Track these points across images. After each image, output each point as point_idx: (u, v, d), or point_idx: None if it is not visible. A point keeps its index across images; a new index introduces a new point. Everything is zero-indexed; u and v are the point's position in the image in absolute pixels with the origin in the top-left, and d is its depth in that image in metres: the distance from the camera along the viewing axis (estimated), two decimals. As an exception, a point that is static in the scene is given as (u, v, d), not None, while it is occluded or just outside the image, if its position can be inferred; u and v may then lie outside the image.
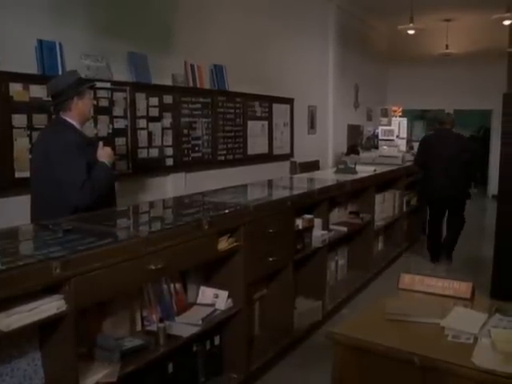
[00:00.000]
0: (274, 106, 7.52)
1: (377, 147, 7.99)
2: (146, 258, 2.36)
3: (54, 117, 3.36)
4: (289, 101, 7.91)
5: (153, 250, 2.39)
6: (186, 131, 5.73)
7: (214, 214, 2.97)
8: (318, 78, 9.12)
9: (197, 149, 5.92)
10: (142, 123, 5.13)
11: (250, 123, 6.94)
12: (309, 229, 4.09)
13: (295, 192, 4.25)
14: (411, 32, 9.19)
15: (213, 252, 2.87)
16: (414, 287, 2.64)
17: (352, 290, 4.98)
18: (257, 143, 7.12)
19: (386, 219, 6.14)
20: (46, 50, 4.24)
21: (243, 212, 3.16)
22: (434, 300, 2.52)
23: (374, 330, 2.22)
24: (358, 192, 5.39)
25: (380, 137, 7.65)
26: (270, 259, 3.44)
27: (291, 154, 8.10)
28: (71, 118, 3.05)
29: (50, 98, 3.27)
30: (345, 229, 4.88)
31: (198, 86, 5.97)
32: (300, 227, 3.91)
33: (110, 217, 2.96)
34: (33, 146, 3.19)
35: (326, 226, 4.38)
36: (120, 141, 4.85)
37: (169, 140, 5.47)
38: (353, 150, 9.13)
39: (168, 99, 5.43)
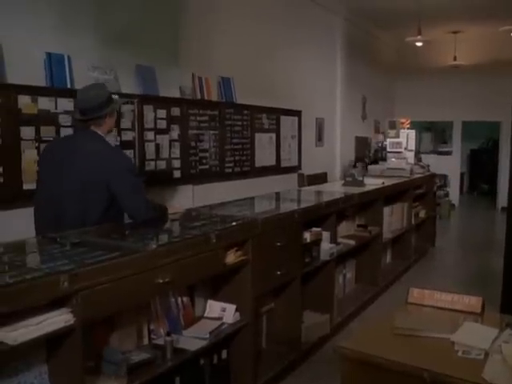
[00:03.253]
0: (282, 118, 7.54)
1: (385, 159, 7.98)
2: (154, 271, 2.36)
3: (79, 126, 3.36)
4: (296, 113, 7.93)
5: (160, 264, 2.40)
6: (193, 143, 5.75)
7: (222, 228, 2.98)
8: (325, 89, 9.15)
9: (204, 161, 5.93)
10: (150, 135, 5.15)
11: (257, 135, 6.95)
12: (317, 242, 4.08)
13: (303, 205, 4.25)
14: (419, 44, 9.21)
15: (220, 266, 2.87)
16: (424, 301, 2.63)
17: (360, 304, 4.96)
18: (264, 155, 7.13)
19: (395, 232, 6.12)
20: (54, 62, 4.28)
21: (251, 225, 3.16)
22: (444, 314, 2.51)
23: (383, 344, 2.21)
24: (366, 205, 5.38)
25: (388, 149, 7.64)
26: (278, 272, 3.43)
27: (299, 167, 8.10)
28: (102, 133, 3.09)
29: (64, 112, 3.26)
30: (353, 242, 4.87)
31: (206, 98, 5.99)
32: (308, 240, 3.91)
33: (117, 230, 2.97)
34: (47, 156, 3.17)
35: (333, 239, 4.37)
36: (128, 153, 4.84)
37: (176, 152, 5.49)
38: (360, 162, 9.12)
39: (176, 111, 5.46)
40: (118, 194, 2.95)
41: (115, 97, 3.38)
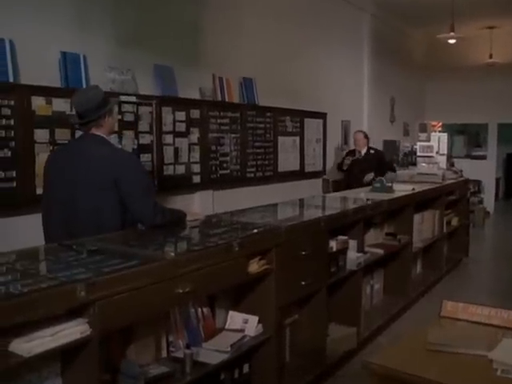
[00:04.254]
0: (306, 120, 7.53)
1: (415, 164, 7.91)
2: (174, 281, 2.36)
3: (81, 131, 3.39)
4: (321, 115, 7.92)
5: (180, 273, 2.40)
6: (213, 147, 5.77)
7: (245, 235, 2.97)
8: (351, 91, 9.12)
9: (225, 165, 5.95)
10: (169, 139, 5.18)
11: (280, 139, 6.96)
12: (343, 251, 4.06)
13: (328, 212, 4.23)
14: (452, 41, 9.12)
15: (243, 275, 2.86)
16: (458, 315, 2.59)
17: (389, 317, 4.91)
18: (288, 160, 7.13)
19: (425, 241, 6.06)
20: (69, 62, 4.33)
21: (275, 233, 3.15)
22: (480, 330, 2.47)
23: (415, 361, 2.18)
24: (395, 212, 5.33)
25: (418, 153, 7.58)
26: (303, 283, 3.42)
27: (324, 172, 8.08)
28: (104, 135, 3.14)
29: (73, 113, 3.33)
30: (381, 251, 4.83)
31: (227, 99, 6.02)
32: (334, 249, 3.89)
33: (135, 237, 2.99)
34: (53, 164, 3.22)
35: (361, 248, 4.34)
36: (145, 157, 4.90)
37: (196, 156, 5.52)
38: (389, 167, 9.05)
39: (195, 114, 5.49)
40: (127, 195, 2.98)
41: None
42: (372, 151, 7.68)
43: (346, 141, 8.94)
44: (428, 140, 7.68)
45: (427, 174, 6.88)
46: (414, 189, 5.80)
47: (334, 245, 3.89)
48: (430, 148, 7.49)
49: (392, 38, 10.48)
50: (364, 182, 6.92)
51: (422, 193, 5.91)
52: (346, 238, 4.08)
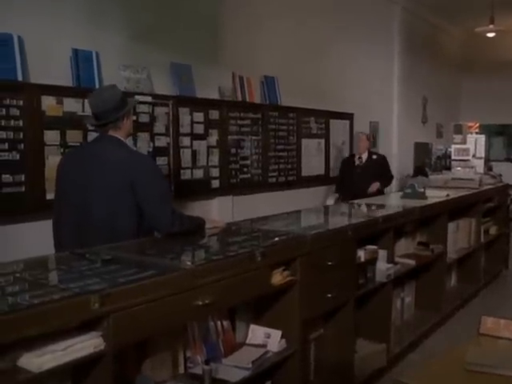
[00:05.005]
0: (332, 121, 7.53)
1: (449, 168, 7.86)
2: (193, 292, 2.37)
3: (97, 133, 3.44)
4: (348, 116, 7.91)
5: (200, 284, 2.40)
6: (233, 150, 5.79)
7: (268, 244, 2.97)
8: (380, 90, 9.09)
9: (245, 170, 5.96)
10: (186, 141, 5.21)
11: (304, 141, 6.96)
12: (372, 261, 4.04)
13: (356, 220, 4.21)
14: (491, 35, 9.05)
15: (266, 286, 2.86)
16: (499, 333, 2.56)
17: (421, 333, 4.88)
18: (312, 164, 7.13)
19: (461, 251, 6.01)
20: (81, 59, 4.37)
21: (300, 242, 3.15)
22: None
23: (451, 381, 2.16)
24: (428, 220, 5.30)
25: (453, 156, 7.53)
26: (329, 295, 3.40)
27: (350, 176, 8.05)
28: (122, 137, 3.17)
29: (89, 114, 3.36)
30: (412, 262, 4.80)
31: (248, 99, 6.05)
32: (362, 259, 3.88)
33: (151, 245, 3.01)
34: (66, 167, 3.25)
35: (391, 259, 4.31)
36: (161, 160, 4.93)
37: (215, 160, 5.54)
38: (420, 171, 9.01)
39: (214, 114, 5.51)
40: (143, 200, 3.00)
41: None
42: (374, 156, 7.16)
43: (374, 143, 8.91)
44: (464, 142, 7.64)
45: (463, 179, 6.83)
46: (448, 195, 5.76)
47: (362, 255, 3.87)
48: (466, 151, 7.44)
49: (424, 33, 10.42)
50: (368, 193, 6.49)
51: (457, 199, 5.86)
52: (375, 247, 4.06)
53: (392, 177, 7.37)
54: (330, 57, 7.52)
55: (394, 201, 5.62)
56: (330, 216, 4.68)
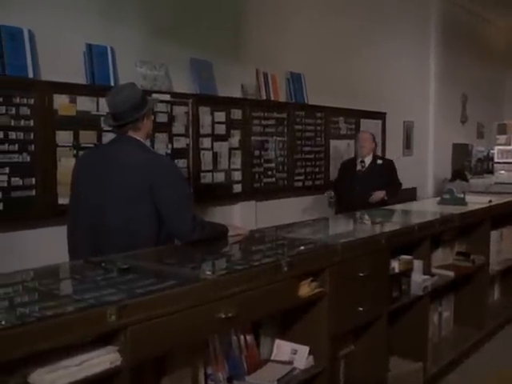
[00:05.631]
0: (362, 121, 7.53)
1: (491, 172, 7.80)
2: (215, 304, 2.37)
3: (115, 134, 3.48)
4: (380, 115, 7.89)
5: (222, 296, 2.41)
6: (257, 152, 5.81)
7: (295, 254, 2.98)
8: (415, 87, 9.05)
9: (270, 173, 5.98)
10: (206, 142, 5.24)
11: (332, 142, 6.96)
12: (407, 273, 4.02)
13: (389, 227, 4.20)
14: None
15: (292, 299, 2.86)
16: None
17: (461, 351, 4.82)
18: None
19: (505, 262, 5.94)
20: (95, 55, 4.42)
21: (329, 251, 3.14)
22: None
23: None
24: (469, 228, 5.25)
25: (496, 159, 7.48)
26: (360, 309, 3.39)
27: (383, 180, 8.03)
28: (141, 138, 3.21)
29: (104, 114, 3.40)
30: (451, 273, 4.76)
31: (272, 98, 6.06)
32: (396, 270, 3.86)
33: (171, 254, 3.03)
34: (83, 168, 3.29)
35: (427, 270, 4.29)
36: (180, 163, 4.96)
37: (237, 162, 5.56)
38: (459, 175, 8.95)
39: (237, 114, 5.54)
40: (163, 205, 3.03)
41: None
42: (379, 161, 6.47)
43: (408, 144, 8.87)
44: (508, 143, 7.58)
45: (507, 184, 6.77)
46: (490, 201, 5.70)
47: (396, 265, 3.86)
48: (511, 152, 7.38)
49: (465, 24, 10.35)
50: (371, 202, 5.96)
51: (500, 206, 5.80)
52: (410, 257, 4.04)
53: (400, 185, 6.58)
54: (360, 52, 7.51)
55: (430, 207, 5.58)
56: (361, 223, 4.67)
